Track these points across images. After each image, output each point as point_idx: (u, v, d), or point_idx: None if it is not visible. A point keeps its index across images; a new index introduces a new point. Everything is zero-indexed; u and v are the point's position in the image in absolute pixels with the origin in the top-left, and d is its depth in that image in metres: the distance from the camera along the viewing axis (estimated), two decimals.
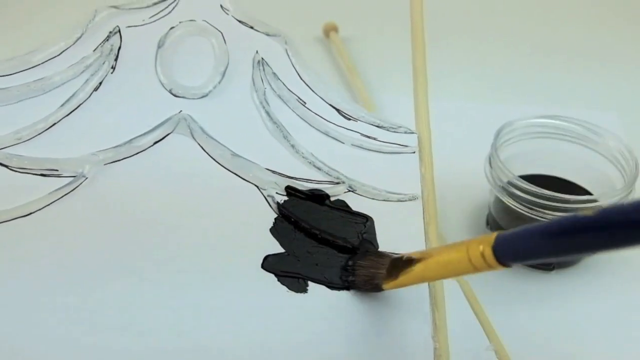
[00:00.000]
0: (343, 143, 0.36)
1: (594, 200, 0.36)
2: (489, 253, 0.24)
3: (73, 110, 0.34)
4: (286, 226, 0.33)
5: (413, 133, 0.37)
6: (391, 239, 0.33)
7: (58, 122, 0.34)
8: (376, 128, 0.37)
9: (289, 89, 0.37)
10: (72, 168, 0.33)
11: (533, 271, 0.38)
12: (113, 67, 0.36)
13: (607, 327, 0.36)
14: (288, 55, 0.38)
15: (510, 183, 0.37)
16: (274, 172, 0.34)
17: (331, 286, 0.31)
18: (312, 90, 0.38)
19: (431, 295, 0.32)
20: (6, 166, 0.32)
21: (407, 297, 0.32)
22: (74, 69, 0.35)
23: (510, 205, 0.36)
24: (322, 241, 0.33)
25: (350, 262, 0.32)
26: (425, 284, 0.32)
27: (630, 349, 0.35)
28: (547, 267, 0.39)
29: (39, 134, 0.33)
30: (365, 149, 0.36)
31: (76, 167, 0.33)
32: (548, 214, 0.35)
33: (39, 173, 0.32)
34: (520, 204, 0.36)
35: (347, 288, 0.31)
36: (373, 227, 0.34)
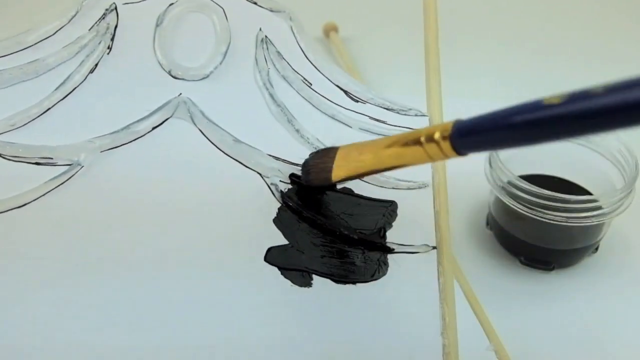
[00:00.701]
0: (350, 127, 0.34)
1: (594, 200, 0.36)
2: (446, 143, 0.24)
3: (68, 94, 0.33)
4: (290, 216, 0.32)
5: (424, 115, 0.35)
6: (399, 228, 0.32)
7: (52, 106, 0.33)
8: (385, 110, 0.35)
9: (293, 69, 0.35)
10: (67, 156, 0.31)
11: (533, 271, 0.38)
12: (109, 47, 0.34)
13: (607, 327, 0.36)
14: (293, 32, 0.36)
15: (510, 183, 0.37)
16: (277, 158, 0.33)
17: (337, 280, 0.30)
18: (319, 71, 0.36)
19: (440, 290, 0.31)
20: (0, 155, 0.31)
21: (416, 291, 0.31)
22: (69, 49, 0.34)
23: (510, 205, 0.36)
24: (327, 232, 0.31)
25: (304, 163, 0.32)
26: (435, 277, 0.31)
27: (630, 349, 0.34)
28: (547, 267, 0.38)
29: (33, 119, 0.32)
30: (374, 133, 0.35)
31: (71, 155, 0.31)
32: (548, 214, 0.35)
33: (34, 162, 0.31)
34: (520, 204, 0.36)
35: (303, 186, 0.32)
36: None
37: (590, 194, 0.40)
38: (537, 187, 0.36)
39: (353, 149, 0.29)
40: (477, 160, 0.39)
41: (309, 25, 0.37)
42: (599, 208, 0.36)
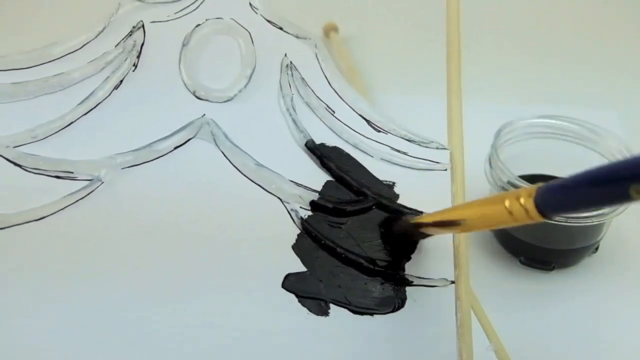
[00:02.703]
0: (372, 157, 0.34)
1: None
2: (530, 205, 0.23)
3: (91, 109, 0.33)
4: (309, 243, 0.31)
5: (445, 149, 0.35)
6: (416, 263, 0.32)
7: (75, 121, 0.32)
8: (407, 142, 0.35)
9: (317, 97, 0.35)
10: (88, 171, 0.31)
11: (533, 271, 0.38)
12: (135, 65, 0.34)
13: (607, 326, 0.36)
14: (318, 60, 0.36)
15: (510, 183, 0.37)
16: (298, 184, 0.33)
17: (354, 310, 0.30)
18: (342, 99, 0.36)
19: (458, 326, 0.30)
20: (20, 166, 0.31)
21: (433, 326, 0.30)
22: (95, 64, 0.34)
23: None
24: (346, 261, 0.31)
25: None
26: (452, 312, 0.30)
27: (630, 349, 0.34)
28: (547, 267, 0.38)
29: (55, 132, 0.32)
30: (395, 164, 0.34)
31: (92, 170, 0.31)
32: None
33: (54, 175, 0.31)
34: None
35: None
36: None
37: None
38: None
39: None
40: (477, 160, 0.39)
41: (309, 25, 0.37)
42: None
